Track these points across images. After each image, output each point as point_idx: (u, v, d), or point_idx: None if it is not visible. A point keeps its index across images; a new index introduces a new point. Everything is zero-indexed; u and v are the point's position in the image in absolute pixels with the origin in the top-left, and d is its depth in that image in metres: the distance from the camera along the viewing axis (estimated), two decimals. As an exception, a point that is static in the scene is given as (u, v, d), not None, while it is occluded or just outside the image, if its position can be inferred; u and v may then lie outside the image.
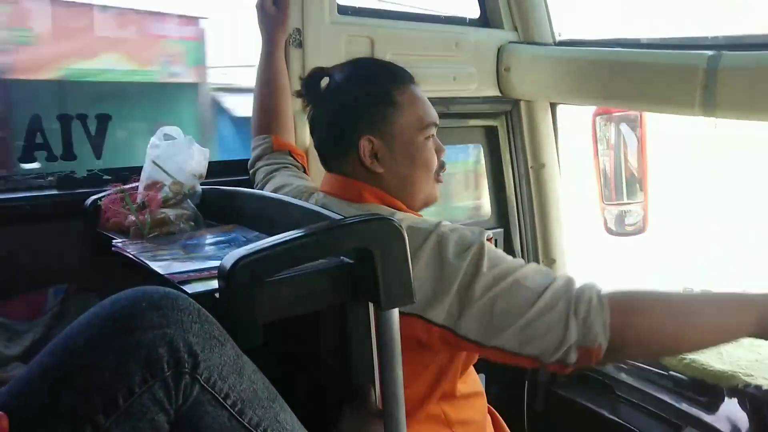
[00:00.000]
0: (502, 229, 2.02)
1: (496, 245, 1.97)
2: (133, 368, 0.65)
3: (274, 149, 1.39)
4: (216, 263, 0.85)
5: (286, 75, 1.45)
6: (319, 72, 1.18)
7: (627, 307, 0.95)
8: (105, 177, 1.35)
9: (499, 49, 1.88)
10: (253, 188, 1.39)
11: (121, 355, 0.65)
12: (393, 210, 1.09)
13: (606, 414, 1.79)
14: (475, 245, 0.98)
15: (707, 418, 1.57)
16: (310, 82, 1.18)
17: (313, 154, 1.50)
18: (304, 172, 1.40)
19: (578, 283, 0.97)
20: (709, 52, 1.53)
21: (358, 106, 1.11)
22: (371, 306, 0.84)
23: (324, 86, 1.17)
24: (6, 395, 0.67)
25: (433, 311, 0.97)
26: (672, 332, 0.98)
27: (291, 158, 1.39)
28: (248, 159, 1.45)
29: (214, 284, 0.77)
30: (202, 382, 0.68)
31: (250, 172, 1.42)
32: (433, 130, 1.15)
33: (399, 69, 1.17)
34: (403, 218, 1.05)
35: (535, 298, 0.95)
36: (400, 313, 0.82)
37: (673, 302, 1.00)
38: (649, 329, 0.97)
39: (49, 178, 1.31)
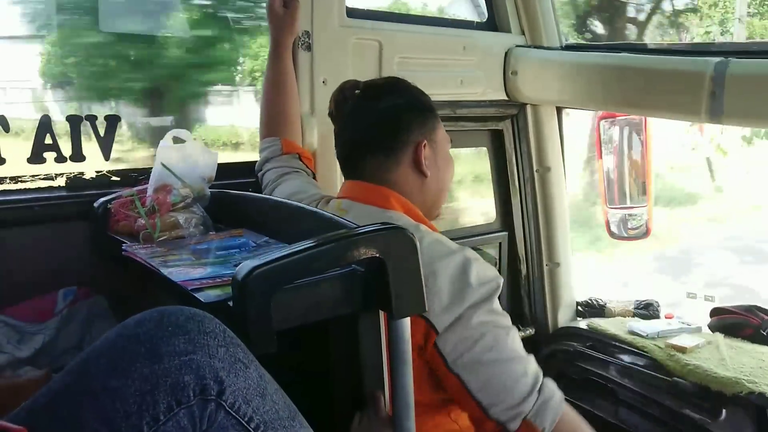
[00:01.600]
0: (506, 233, 2.03)
1: (500, 249, 2.02)
2: (159, 396, 0.65)
3: (283, 152, 1.39)
4: (228, 270, 0.85)
5: (294, 77, 1.45)
6: (354, 83, 1.21)
7: (575, 424, 1.04)
8: (113, 178, 1.35)
9: (506, 53, 1.88)
10: (260, 190, 1.39)
11: (147, 382, 0.65)
12: (416, 224, 1.10)
13: (608, 419, 1.80)
14: (495, 282, 1.04)
15: (710, 424, 1.58)
16: (349, 90, 1.20)
17: (321, 157, 1.52)
18: (314, 176, 1.40)
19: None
20: (717, 59, 1.53)
21: (412, 112, 1.16)
22: (382, 314, 0.84)
23: (359, 96, 1.19)
24: (27, 412, 0.67)
25: (438, 319, 1.00)
26: None
27: (300, 163, 1.39)
28: (255, 161, 1.45)
29: (227, 292, 0.78)
30: (227, 408, 0.68)
31: (258, 174, 1.42)
32: None
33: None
34: (429, 233, 1.08)
35: (515, 356, 1.02)
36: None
37: None
38: None
39: (58, 179, 1.31)
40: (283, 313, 0.74)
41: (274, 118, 1.43)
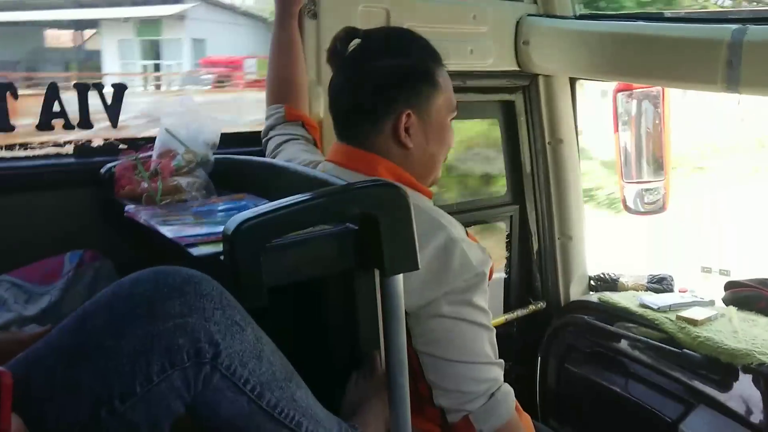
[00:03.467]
0: (517, 206, 2.01)
1: (511, 222, 2.00)
2: (153, 357, 0.65)
3: (286, 119, 1.39)
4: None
5: (300, 44, 1.45)
6: (352, 32, 1.15)
7: None
8: (121, 146, 1.36)
9: (518, 22, 1.84)
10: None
11: (141, 343, 0.66)
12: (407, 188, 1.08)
13: (618, 391, 1.79)
14: (479, 271, 1.01)
15: (720, 396, 1.56)
16: (343, 42, 1.14)
17: (327, 125, 1.51)
18: (315, 144, 1.39)
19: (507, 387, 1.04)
20: (734, 26, 1.49)
21: (402, 79, 1.10)
22: (377, 273, 0.85)
23: (353, 48, 1.13)
24: (23, 362, 0.68)
25: (410, 299, 0.94)
26: None
27: (303, 130, 1.39)
28: (260, 130, 1.45)
29: (220, 248, 0.78)
30: (223, 371, 0.69)
31: (263, 141, 1.42)
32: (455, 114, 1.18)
33: (434, 48, 1.16)
34: (420, 203, 1.06)
35: (477, 361, 1.00)
36: None
37: None
38: None
39: (66, 146, 1.33)
40: (274, 268, 0.75)
41: (280, 86, 1.43)
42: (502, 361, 1.04)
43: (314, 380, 0.81)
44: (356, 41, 1.14)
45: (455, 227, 1.05)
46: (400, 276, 0.81)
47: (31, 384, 0.66)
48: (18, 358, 0.69)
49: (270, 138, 1.39)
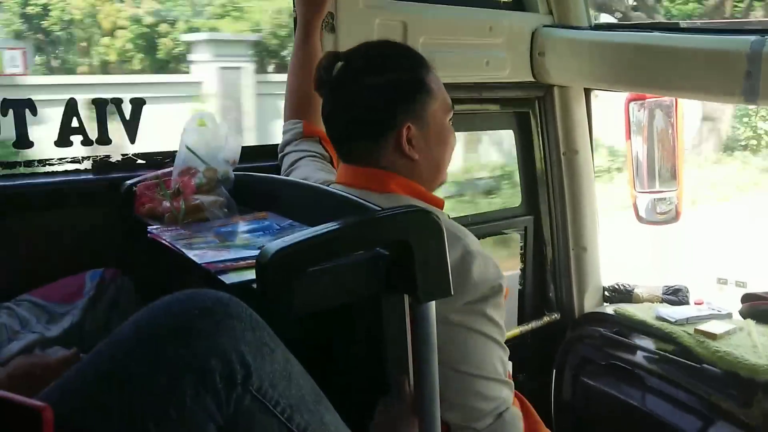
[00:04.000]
0: (532, 217, 2.00)
1: (526, 233, 2.00)
2: (186, 382, 0.65)
3: (304, 135, 1.38)
4: (252, 252, 0.85)
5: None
6: (333, 57, 1.13)
7: None
8: (139, 161, 1.36)
9: (533, 33, 1.84)
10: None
11: (173, 367, 0.65)
12: (421, 201, 1.08)
13: (635, 404, 1.78)
14: (497, 282, 1.00)
15: (740, 412, 1.55)
16: (326, 69, 1.12)
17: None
18: (332, 161, 1.38)
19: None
20: (753, 37, 1.48)
21: (395, 93, 1.09)
22: (407, 299, 0.84)
23: (339, 71, 1.11)
24: (58, 391, 0.68)
25: None
26: None
27: (320, 147, 1.37)
28: (278, 144, 1.44)
29: (251, 274, 0.77)
30: (254, 392, 0.68)
31: (279, 156, 1.41)
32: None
33: (421, 55, 1.15)
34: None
35: (489, 376, 0.99)
36: None
37: None
38: None
39: (84, 162, 1.32)
40: (306, 295, 0.74)
41: (299, 100, 1.41)
42: (512, 382, 1.02)
43: (342, 406, 0.81)
44: (339, 65, 1.12)
45: (471, 239, 1.03)
46: (433, 303, 0.80)
47: (66, 414, 0.65)
48: (52, 388, 0.69)
49: (286, 153, 1.38)
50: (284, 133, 1.42)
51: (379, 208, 0.82)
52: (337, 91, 1.12)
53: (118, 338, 0.70)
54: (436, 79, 1.13)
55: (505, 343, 1.06)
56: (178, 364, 0.65)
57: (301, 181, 1.24)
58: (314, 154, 1.36)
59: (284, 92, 1.46)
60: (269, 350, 0.70)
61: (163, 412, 0.65)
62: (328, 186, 1.17)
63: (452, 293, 0.80)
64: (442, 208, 1.14)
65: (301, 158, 1.35)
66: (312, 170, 1.31)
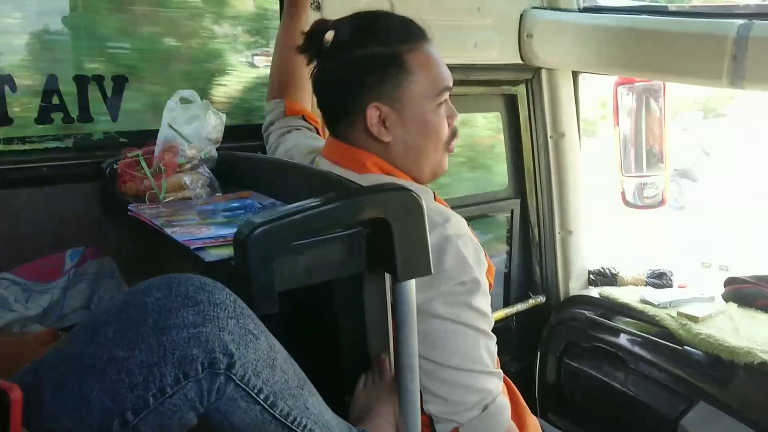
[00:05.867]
0: (518, 200, 2.01)
1: (512, 216, 2.00)
2: (166, 368, 0.64)
3: (286, 114, 1.35)
4: (232, 230, 0.84)
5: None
6: (323, 25, 1.07)
7: None
8: (121, 140, 1.34)
9: (521, 15, 1.83)
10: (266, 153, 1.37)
11: (154, 354, 0.64)
12: (393, 180, 1.03)
13: (618, 386, 1.80)
14: (476, 272, 0.94)
15: (720, 393, 1.57)
16: (314, 36, 1.07)
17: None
18: (318, 132, 1.36)
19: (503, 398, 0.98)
20: (740, 21, 1.48)
21: (365, 70, 1.02)
22: (387, 277, 0.83)
23: (329, 41, 1.06)
24: (31, 373, 0.66)
25: None
26: None
27: (304, 122, 1.36)
28: (262, 124, 1.43)
29: (231, 252, 0.77)
30: (237, 381, 0.67)
31: (264, 136, 1.40)
32: (446, 95, 1.06)
33: (411, 26, 1.06)
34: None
35: (472, 368, 0.94)
36: None
37: None
38: None
39: (65, 140, 1.30)
40: (286, 272, 0.74)
41: (282, 80, 1.39)
42: (500, 371, 0.99)
43: (323, 383, 0.80)
44: (329, 33, 1.06)
45: (452, 223, 0.96)
46: (413, 281, 0.80)
47: (41, 397, 0.64)
48: (26, 369, 0.68)
49: (269, 133, 1.37)
50: (267, 113, 1.40)
51: (360, 186, 0.81)
52: (322, 62, 1.07)
53: (96, 322, 0.68)
54: (424, 57, 1.04)
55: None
56: (159, 351, 0.64)
57: (284, 159, 1.23)
58: (297, 127, 1.35)
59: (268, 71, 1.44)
60: (253, 337, 0.69)
61: (141, 400, 0.64)
62: (314, 159, 1.15)
63: (431, 272, 0.80)
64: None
65: (286, 132, 1.33)
66: (301, 137, 1.29)
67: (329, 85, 1.07)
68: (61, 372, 0.65)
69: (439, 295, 0.91)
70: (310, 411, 0.74)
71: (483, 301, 0.95)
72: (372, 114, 1.02)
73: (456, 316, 0.92)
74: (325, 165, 1.09)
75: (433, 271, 0.85)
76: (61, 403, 0.63)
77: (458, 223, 0.97)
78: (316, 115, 1.44)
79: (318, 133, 1.37)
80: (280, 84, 1.40)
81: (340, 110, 1.06)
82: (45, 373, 0.66)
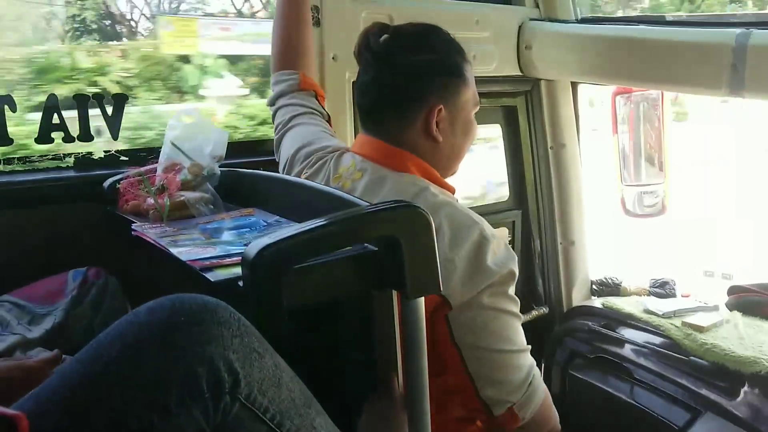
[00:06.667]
0: (520, 211, 2.00)
1: (514, 227, 1.99)
2: (171, 389, 0.63)
3: (300, 88, 1.34)
4: (238, 249, 0.84)
5: (309, 7, 1.39)
6: (383, 27, 1.15)
7: (547, 414, 1.11)
8: (122, 158, 1.33)
9: (520, 27, 1.83)
10: (271, 168, 1.36)
11: (158, 374, 0.63)
12: (435, 185, 1.11)
13: (623, 397, 1.78)
14: (512, 264, 1.04)
15: (727, 404, 1.56)
16: (374, 37, 1.14)
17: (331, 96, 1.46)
18: (329, 119, 1.35)
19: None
20: (738, 30, 1.49)
21: (434, 73, 1.12)
22: (395, 295, 0.83)
23: (384, 43, 1.13)
24: (33, 400, 0.65)
25: (454, 295, 1.01)
26: None
27: (317, 102, 1.35)
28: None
29: (237, 271, 0.76)
30: (243, 400, 0.66)
31: (270, 109, 1.37)
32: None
33: (461, 45, 1.19)
34: (446, 202, 1.08)
35: (517, 348, 1.05)
36: None
37: None
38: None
39: (66, 159, 1.30)
40: (293, 293, 0.73)
41: (290, 50, 1.36)
42: (529, 346, 1.08)
43: (332, 405, 0.79)
44: (385, 36, 1.14)
45: (485, 224, 1.07)
46: (422, 299, 0.79)
47: (46, 422, 0.63)
48: (31, 395, 0.67)
49: (280, 107, 1.34)
50: (275, 84, 1.36)
51: (367, 204, 0.81)
52: (379, 62, 1.13)
53: (100, 344, 0.67)
54: (471, 73, 1.18)
55: None
56: (163, 371, 0.63)
57: (288, 177, 1.22)
58: (311, 110, 1.34)
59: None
60: (258, 356, 0.68)
61: (145, 421, 0.63)
62: (342, 154, 1.19)
63: (441, 290, 0.79)
64: (453, 194, 1.16)
65: (299, 114, 1.32)
66: (316, 132, 1.29)
67: (386, 86, 1.13)
68: (64, 395, 0.64)
69: (486, 288, 1.01)
70: (317, 430, 0.73)
71: (513, 288, 1.05)
72: (436, 115, 1.11)
73: (498, 305, 1.02)
74: (359, 160, 1.15)
75: (473, 269, 1.00)
76: (65, 427, 0.63)
77: (486, 223, 1.09)
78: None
79: (329, 118, 1.37)
80: (289, 55, 1.37)
81: (397, 109, 1.13)
82: (48, 398, 0.65)
